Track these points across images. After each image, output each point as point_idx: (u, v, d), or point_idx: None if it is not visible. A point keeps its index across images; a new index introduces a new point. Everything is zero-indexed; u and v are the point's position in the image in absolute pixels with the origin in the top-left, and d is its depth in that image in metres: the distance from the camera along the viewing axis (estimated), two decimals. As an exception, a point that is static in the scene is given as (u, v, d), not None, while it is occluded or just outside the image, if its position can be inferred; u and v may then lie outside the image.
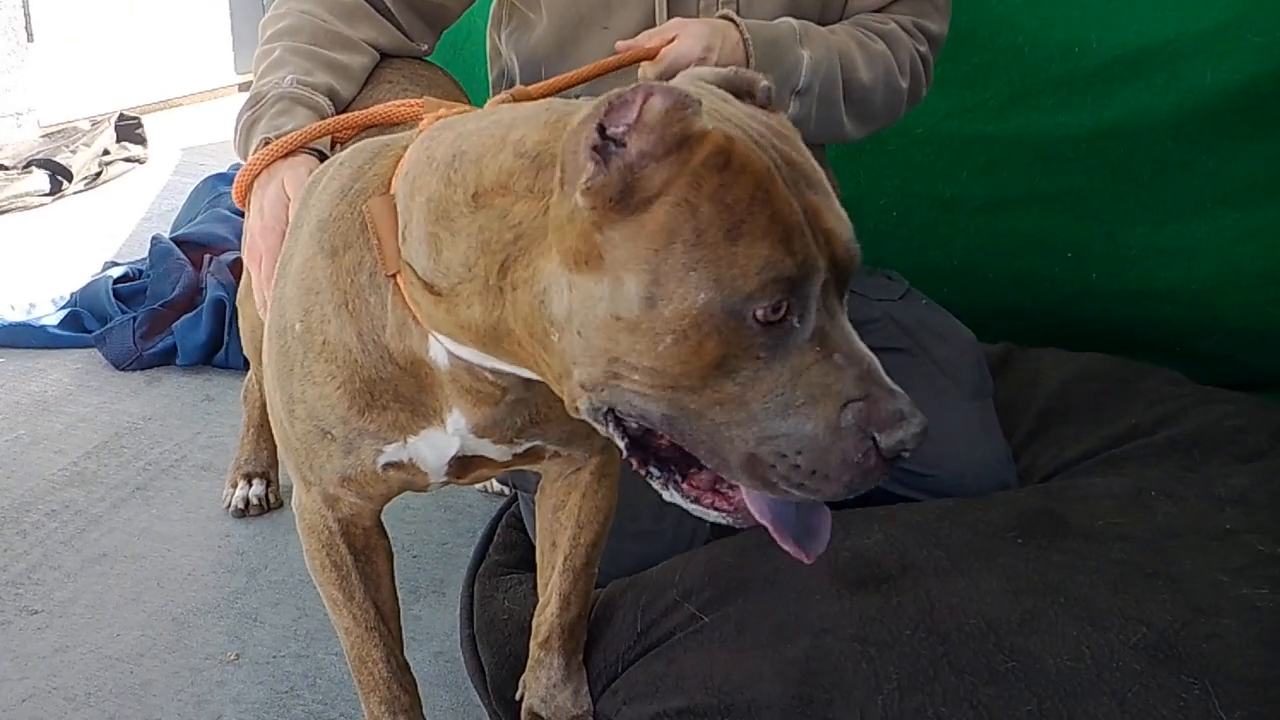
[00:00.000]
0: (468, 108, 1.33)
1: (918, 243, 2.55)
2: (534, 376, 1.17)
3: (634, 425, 1.08)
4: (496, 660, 1.78)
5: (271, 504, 2.34)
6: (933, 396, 1.96)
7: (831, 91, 1.82)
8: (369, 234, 1.20)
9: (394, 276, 1.19)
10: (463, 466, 1.36)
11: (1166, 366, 2.29)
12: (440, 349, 1.20)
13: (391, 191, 1.20)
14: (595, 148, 0.99)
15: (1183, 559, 1.65)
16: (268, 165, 1.50)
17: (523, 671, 1.69)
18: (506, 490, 2.30)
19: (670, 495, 1.11)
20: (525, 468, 1.47)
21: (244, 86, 6.23)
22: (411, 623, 1.97)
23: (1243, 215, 2.34)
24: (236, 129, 1.64)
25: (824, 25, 1.87)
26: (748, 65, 1.72)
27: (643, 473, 1.11)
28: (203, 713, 1.80)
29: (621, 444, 1.09)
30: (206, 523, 2.32)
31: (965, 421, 1.97)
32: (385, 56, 1.85)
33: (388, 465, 1.32)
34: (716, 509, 1.11)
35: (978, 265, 2.55)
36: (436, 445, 1.31)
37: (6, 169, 4.57)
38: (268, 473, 2.35)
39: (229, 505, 2.34)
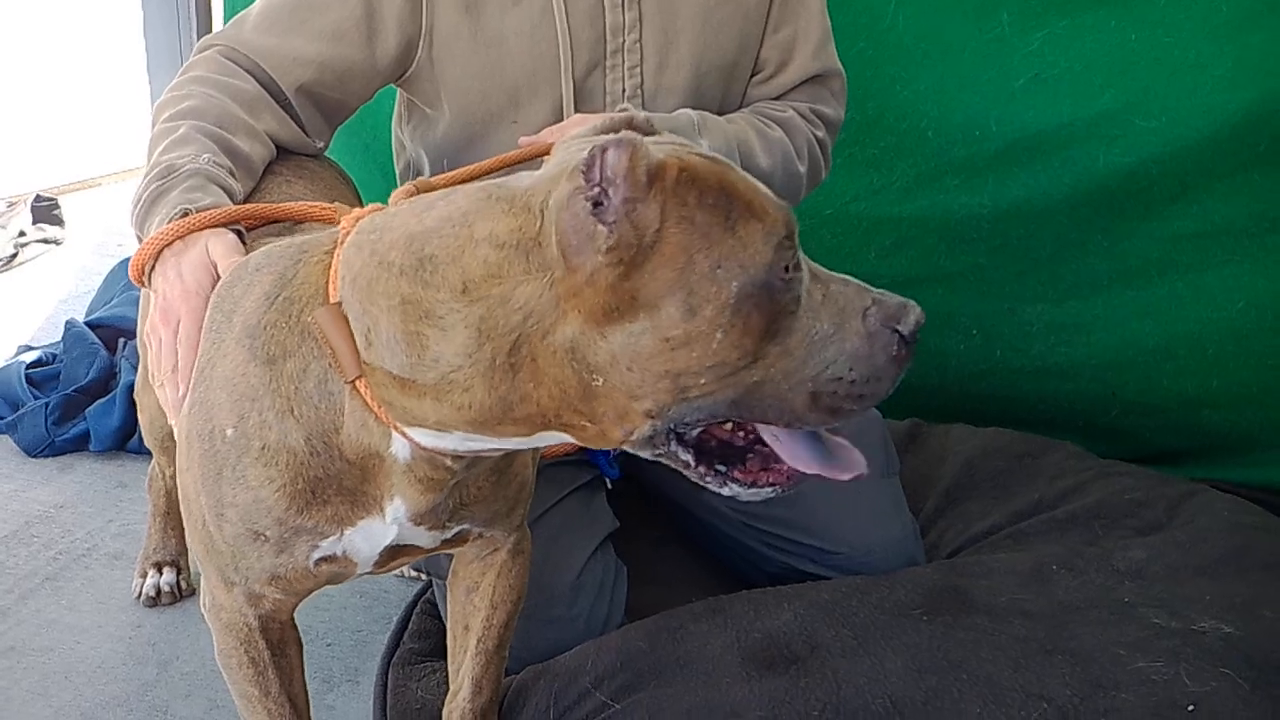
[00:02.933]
0: (379, 206, 1.35)
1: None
2: (517, 447, 1.23)
3: (691, 435, 1.16)
4: (409, 750, 1.77)
5: (183, 591, 2.31)
6: (840, 475, 2.01)
7: None
8: (314, 343, 1.22)
9: (354, 381, 1.21)
10: (390, 555, 1.37)
11: (1069, 440, 2.35)
12: (402, 443, 1.23)
13: (334, 300, 1.22)
14: (594, 213, 1.08)
15: (1082, 633, 1.69)
16: (182, 236, 1.44)
17: (435, 761, 1.69)
18: (422, 576, 2.29)
19: (730, 489, 1.20)
20: (448, 550, 1.49)
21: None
22: (325, 712, 1.96)
23: (1138, 293, 2.42)
24: (137, 202, 1.57)
25: (724, 114, 1.92)
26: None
27: (708, 479, 1.19)
28: (109, 811, 1.77)
29: (688, 458, 1.17)
30: (118, 613, 2.29)
31: (873, 499, 2.00)
32: (279, 151, 1.83)
33: (320, 560, 1.33)
34: (772, 484, 1.22)
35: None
36: (372, 535, 1.32)
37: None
38: (178, 560, 2.33)
39: (139, 595, 2.30)
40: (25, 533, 2.60)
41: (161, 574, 2.30)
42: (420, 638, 2.00)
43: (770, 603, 1.83)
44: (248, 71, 1.81)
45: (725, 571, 2.12)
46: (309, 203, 1.53)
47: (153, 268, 1.46)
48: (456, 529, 1.38)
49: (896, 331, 1.14)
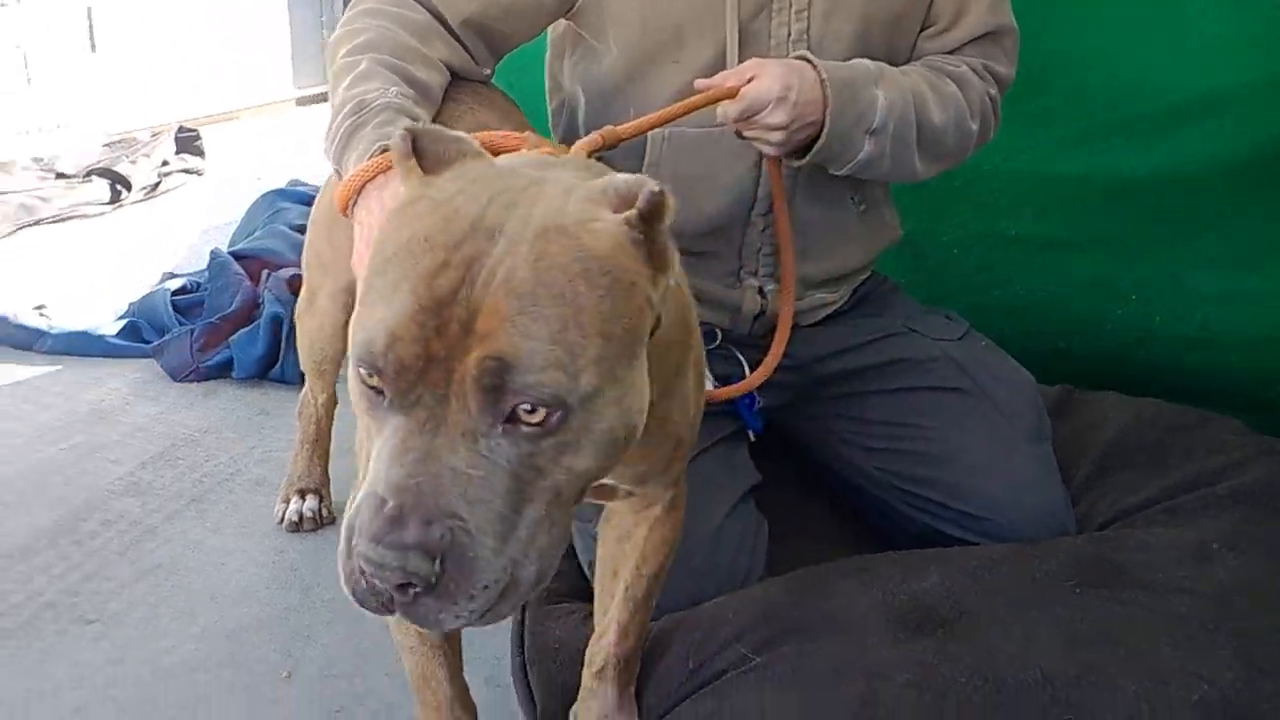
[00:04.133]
0: (558, 149, 1.33)
1: (979, 281, 2.54)
2: None
3: None
4: (547, 689, 1.77)
5: (324, 519, 2.35)
6: (991, 439, 1.96)
7: (905, 132, 1.83)
8: None
9: None
10: None
11: (1229, 415, 2.26)
12: None
13: None
14: None
15: (1246, 616, 1.62)
16: (383, 170, 1.48)
17: (572, 701, 1.69)
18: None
19: None
20: (597, 502, 1.48)
21: (301, 101, 6.29)
22: (465, 649, 1.97)
23: (1310, 264, 2.31)
24: (332, 139, 1.61)
25: (894, 66, 1.87)
26: (824, 105, 1.74)
27: None
28: (254, 730, 1.81)
29: None
30: (260, 538, 2.34)
31: (1024, 465, 1.95)
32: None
33: None
34: None
35: (1039, 306, 2.53)
36: None
37: (68, 177, 4.64)
38: (320, 489, 2.37)
39: (282, 520, 2.35)
40: (171, 454, 2.67)
41: (305, 500, 2.35)
42: (556, 577, 1.99)
43: (917, 565, 1.79)
44: (417, 3, 1.82)
45: (866, 531, 2.09)
46: (502, 131, 1.52)
47: (356, 201, 1.50)
48: (606, 481, 1.38)
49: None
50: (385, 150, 1.48)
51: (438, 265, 0.96)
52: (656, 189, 1.00)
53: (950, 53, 1.94)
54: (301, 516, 2.34)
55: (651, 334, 1.07)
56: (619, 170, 1.35)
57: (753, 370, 1.96)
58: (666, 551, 1.56)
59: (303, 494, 2.36)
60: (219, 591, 2.16)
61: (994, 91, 1.95)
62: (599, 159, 1.45)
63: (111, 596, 2.14)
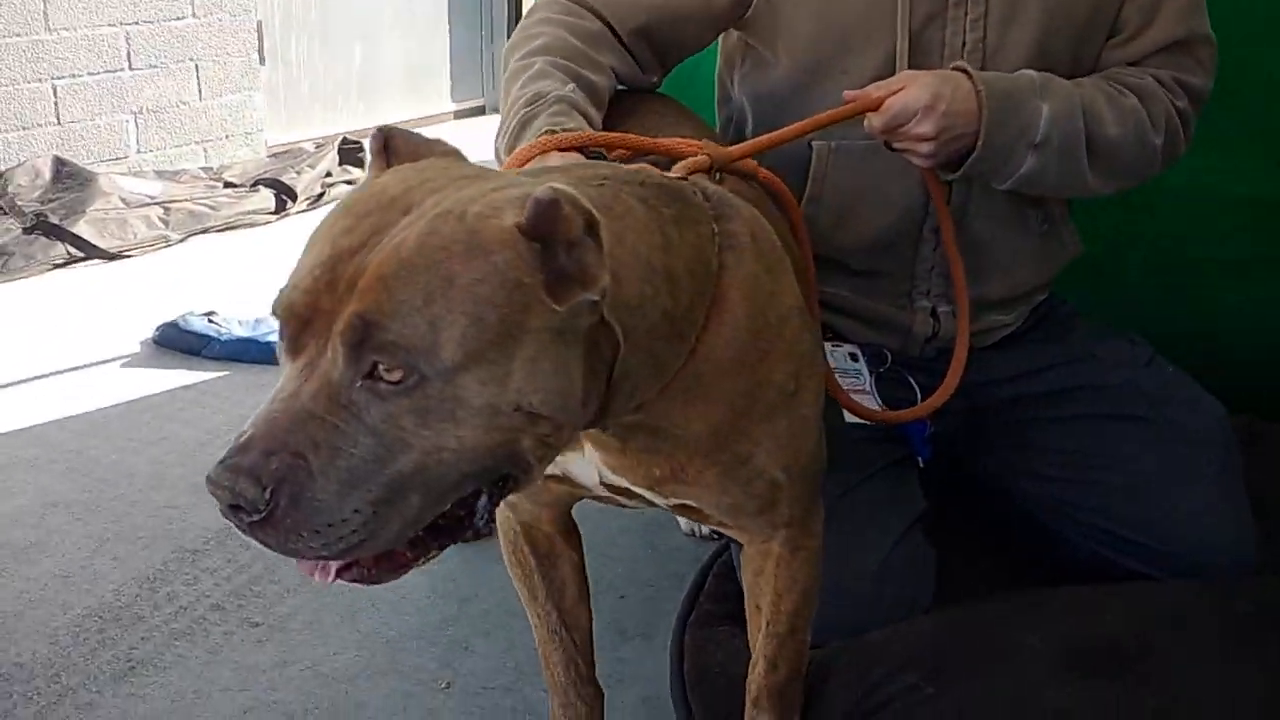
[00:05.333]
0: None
1: (1164, 305, 2.42)
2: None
3: None
4: (708, 714, 1.74)
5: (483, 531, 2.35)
6: (1176, 470, 1.87)
7: (1072, 146, 1.75)
8: None
9: None
10: (620, 490, 1.37)
11: None
12: None
13: None
14: None
15: None
16: (544, 151, 1.47)
17: (735, 727, 1.66)
18: (715, 537, 2.27)
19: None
20: (693, 519, 1.46)
21: (459, 114, 6.38)
22: (618, 665, 1.96)
23: None
24: (506, 131, 1.63)
25: (1074, 78, 1.80)
26: (980, 117, 1.67)
27: None
28: (414, 739, 1.82)
29: None
30: (419, 546, 2.35)
31: (1210, 497, 1.86)
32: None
33: (545, 477, 1.33)
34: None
35: (1227, 332, 2.41)
36: (579, 466, 1.33)
37: (235, 186, 4.77)
38: (480, 500, 2.37)
39: (441, 530, 2.36)
40: (334, 461, 2.70)
41: (463, 511, 2.35)
42: (718, 599, 1.96)
43: (1095, 600, 1.72)
44: (589, 12, 1.84)
45: (1035, 560, 2.01)
46: (677, 138, 1.51)
47: None
48: (678, 500, 1.35)
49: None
50: (552, 134, 1.49)
51: (345, 229, 1.03)
52: (544, 198, 0.99)
53: (1136, 63, 1.86)
54: (460, 527, 2.34)
55: (620, 354, 1.10)
56: (714, 185, 1.33)
57: (924, 395, 1.91)
58: (800, 591, 1.49)
59: (462, 503, 2.36)
60: (380, 598, 2.18)
61: (1183, 105, 1.85)
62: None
63: (276, 601, 2.17)
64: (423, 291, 0.97)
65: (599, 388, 1.11)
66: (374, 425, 0.97)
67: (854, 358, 1.94)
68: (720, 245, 1.24)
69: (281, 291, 1.03)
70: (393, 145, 1.15)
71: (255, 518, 0.96)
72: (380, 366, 0.97)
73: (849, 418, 1.84)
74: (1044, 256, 1.97)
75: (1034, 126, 1.72)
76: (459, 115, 6.38)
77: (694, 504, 1.36)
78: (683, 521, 2.36)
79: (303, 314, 1.01)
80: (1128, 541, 1.86)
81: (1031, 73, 1.75)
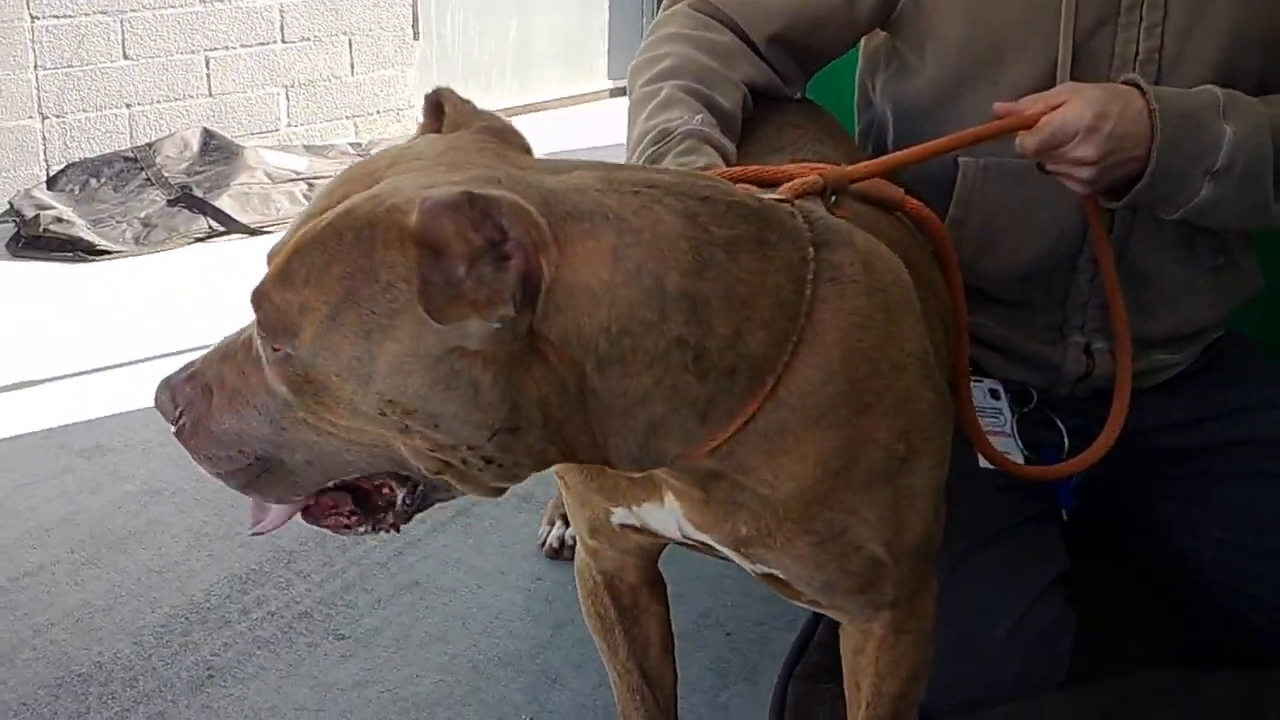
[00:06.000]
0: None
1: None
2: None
3: None
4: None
5: (586, 550, 2.23)
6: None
7: (1258, 174, 1.52)
8: None
9: None
10: (704, 546, 1.23)
11: None
12: None
13: None
14: None
15: None
16: None
17: (835, 796, 1.49)
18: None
19: None
20: (779, 591, 1.28)
21: (615, 92, 6.26)
22: (719, 712, 1.82)
23: None
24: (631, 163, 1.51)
25: (1262, 94, 1.56)
26: (1151, 139, 1.45)
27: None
28: (490, 782, 1.70)
29: None
30: (520, 560, 2.24)
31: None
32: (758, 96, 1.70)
33: (623, 525, 1.28)
34: None
35: None
36: (659, 518, 1.22)
37: (383, 163, 4.74)
38: (586, 517, 2.25)
39: (543, 544, 2.25)
40: (443, 461, 2.61)
41: (568, 527, 2.23)
42: (826, 651, 1.79)
43: (1260, 687, 1.50)
44: (720, 23, 1.70)
45: (1193, 626, 1.78)
46: (800, 166, 1.33)
47: None
48: (766, 569, 1.20)
49: None
50: None
51: (328, 191, 1.03)
52: (438, 200, 0.89)
53: None
54: (562, 543, 2.22)
55: (599, 383, 0.99)
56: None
57: (1071, 439, 1.70)
58: (905, 676, 1.32)
59: (566, 520, 2.24)
60: (471, 617, 2.07)
61: None
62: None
63: (366, 612, 2.08)
64: (305, 271, 0.96)
65: (552, 421, 1.00)
66: (270, 384, 1.01)
67: (995, 395, 1.74)
68: (816, 275, 1.08)
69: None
70: (443, 109, 1.13)
71: (174, 426, 1.07)
72: (266, 335, 1.00)
73: (983, 462, 1.65)
74: (1218, 290, 1.73)
75: (1214, 151, 1.49)
76: (614, 94, 6.26)
77: (782, 575, 1.20)
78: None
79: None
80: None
81: (1214, 89, 1.52)
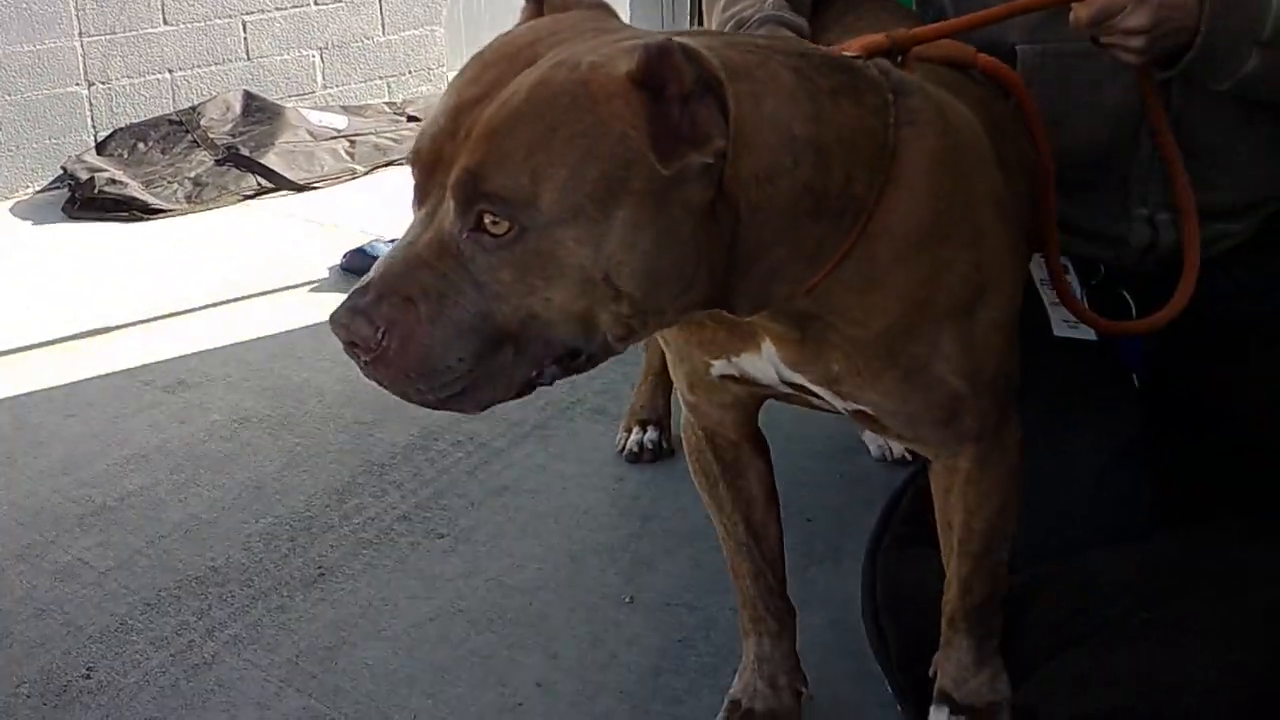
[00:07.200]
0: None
1: None
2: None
3: None
4: (902, 636, 1.68)
5: (664, 451, 2.32)
6: None
7: None
8: None
9: None
10: (800, 389, 1.31)
11: None
12: None
13: None
14: None
15: None
16: None
17: (930, 649, 1.58)
18: (908, 456, 2.18)
19: None
20: (880, 434, 1.37)
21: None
22: (807, 587, 1.90)
23: None
24: None
25: None
26: (1201, 8, 1.51)
27: None
28: (599, 651, 1.80)
29: None
30: (600, 465, 2.33)
31: None
32: None
33: (722, 377, 1.35)
34: None
35: None
36: (757, 366, 1.30)
37: (418, 120, 4.82)
38: (662, 420, 2.34)
39: (623, 449, 2.34)
40: (515, 382, 2.70)
41: (646, 431, 2.32)
42: (910, 521, 1.88)
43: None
44: None
45: (1266, 492, 1.85)
46: (872, 36, 1.40)
47: None
48: (855, 405, 1.29)
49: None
50: None
51: (471, 78, 1.05)
52: (655, 45, 0.96)
53: None
54: (642, 447, 2.31)
55: (747, 229, 1.07)
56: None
57: (1139, 312, 1.78)
58: (993, 509, 1.41)
59: (644, 425, 2.33)
60: (561, 513, 2.17)
61: None
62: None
63: (461, 514, 2.18)
64: (526, 142, 0.97)
65: (709, 272, 1.07)
66: (478, 276, 1.00)
67: (1064, 269, 1.82)
68: (898, 120, 1.16)
69: (416, 139, 1.06)
70: None
71: (369, 356, 1.01)
72: (486, 218, 0.99)
73: (1058, 330, 1.74)
74: (1276, 162, 1.81)
75: (1261, 21, 1.55)
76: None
77: (871, 410, 1.30)
78: (872, 445, 2.28)
79: (428, 163, 1.03)
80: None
81: None
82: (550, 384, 1.09)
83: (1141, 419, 1.78)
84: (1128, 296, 1.82)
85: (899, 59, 1.35)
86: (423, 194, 1.04)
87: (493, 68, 1.04)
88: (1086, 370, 1.79)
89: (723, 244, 1.07)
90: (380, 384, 1.03)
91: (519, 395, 1.08)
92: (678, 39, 0.99)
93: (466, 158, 0.99)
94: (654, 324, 1.10)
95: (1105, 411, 1.76)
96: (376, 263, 1.03)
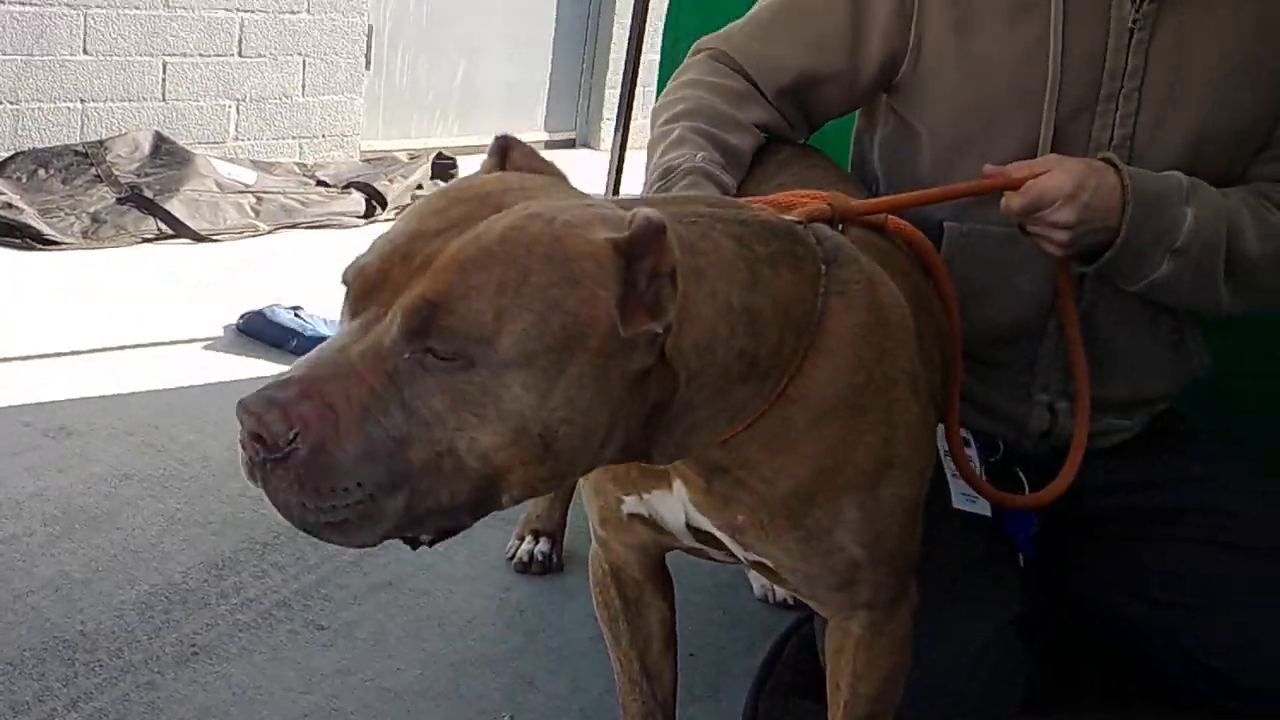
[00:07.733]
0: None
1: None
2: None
3: None
4: (779, 787, 1.70)
5: (554, 565, 2.33)
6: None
7: (1211, 259, 1.71)
8: None
9: None
10: (703, 537, 1.35)
11: None
12: None
13: None
14: None
15: None
16: None
17: (806, 804, 1.61)
18: (790, 601, 2.23)
19: None
20: (774, 582, 1.42)
21: (550, 144, 6.41)
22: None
23: None
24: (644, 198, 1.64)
25: (1222, 185, 1.76)
26: (1122, 213, 1.64)
27: None
28: (475, 770, 1.79)
29: None
30: (489, 570, 2.33)
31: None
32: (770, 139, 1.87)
33: (630, 515, 1.38)
34: None
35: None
36: (668, 506, 1.32)
37: (328, 186, 4.80)
38: (556, 533, 2.35)
39: (513, 557, 2.33)
40: (407, 472, 2.68)
41: (538, 542, 2.33)
42: (795, 671, 1.92)
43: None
44: (735, 72, 1.86)
45: (1135, 680, 1.94)
46: (799, 192, 1.47)
47: None
48: (756, 556, 1.33)
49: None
50: None
51: (436, 210, 1.05)
52: (655, 219, 1.01)
53: None
54: (532, 558, 2.32)
55: (679, 394, 1.11)
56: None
57: (1031, 492, 1.87)
58: (881, 678, 1.45)
59: (537, 535, 2.34)
60: (446, 619, 2.15)
61: None
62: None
63: (343, 606, 2.15)
64: (496, 280, 0.97)
65: (625, 431, 1.09)
66: (409, 400, 0.97)
67: (966, 443, 1.90)
68: (829, 289, 1.22)
69: (357, 258, 1.04)
70: (509, 154, 1.18)
71: (275, 455, 0.95)
72: (437, 347, 0.97)
73: (957, 503, 1.81)
74: (1171, 365, 1.92)
75: (1176, 231, 1.68)
76: (550, 145, 6.41)
77: (771, 564, 1.34)
78: (756, 585, 2.32)
79: (372, 279, 1.02)
80: (1240, 688, 1.80)
81: (1180, 175, 1.71)
82: (415, 549, 1.10)
83: (1023, 597, 1.85)
84: (1023, 476, 1.90)
85: (839, 227, 1.41)
86: (358, 308, 1.02)
87: (459, 205, 1.05)
88: (977, 544, 1.86)
89: (647, 406, 1.10)
90: (264, 486, 0.97)
91: (381, 542, 1.04)
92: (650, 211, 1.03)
93: (427, 286, 0.98)
94: (560, 485, 1.14)
95: (990, 588, 1.82)
96: (301, 359, 0.99)
